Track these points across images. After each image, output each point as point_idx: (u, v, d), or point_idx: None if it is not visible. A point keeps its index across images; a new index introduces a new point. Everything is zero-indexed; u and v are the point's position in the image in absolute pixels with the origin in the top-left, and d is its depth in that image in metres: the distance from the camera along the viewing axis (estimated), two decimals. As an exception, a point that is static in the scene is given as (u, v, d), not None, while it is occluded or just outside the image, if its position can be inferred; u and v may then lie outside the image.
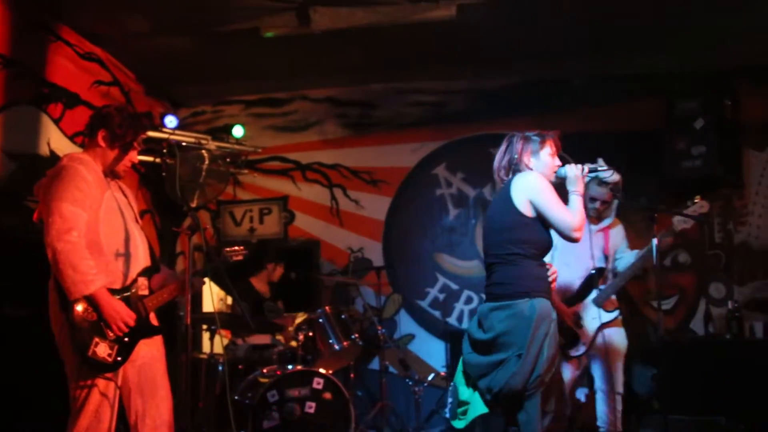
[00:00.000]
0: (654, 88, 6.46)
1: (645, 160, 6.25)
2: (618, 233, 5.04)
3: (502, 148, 3.70)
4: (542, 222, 3.47)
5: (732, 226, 6.49)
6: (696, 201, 4.60)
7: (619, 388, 4.80)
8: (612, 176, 4.76)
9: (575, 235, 3.42)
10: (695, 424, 5.25)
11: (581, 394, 5.41)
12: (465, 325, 6.84)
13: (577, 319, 4.79)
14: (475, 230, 6.95)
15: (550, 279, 3.54)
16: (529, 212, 3.45)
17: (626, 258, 4.99)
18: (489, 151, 6.85)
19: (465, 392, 3.56)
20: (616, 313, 4.84)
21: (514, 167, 3.60)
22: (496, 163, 3.71)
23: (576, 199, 3.51)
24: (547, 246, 3.55)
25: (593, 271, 4.85)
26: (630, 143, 6.44)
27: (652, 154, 6.28)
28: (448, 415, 3.71)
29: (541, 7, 5.45)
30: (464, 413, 3.55)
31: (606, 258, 4.96)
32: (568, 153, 6.52)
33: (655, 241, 4.40)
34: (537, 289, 3.40)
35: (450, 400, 3.67)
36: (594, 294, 4.84)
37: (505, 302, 3.40)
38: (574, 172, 3.54)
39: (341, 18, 5.50)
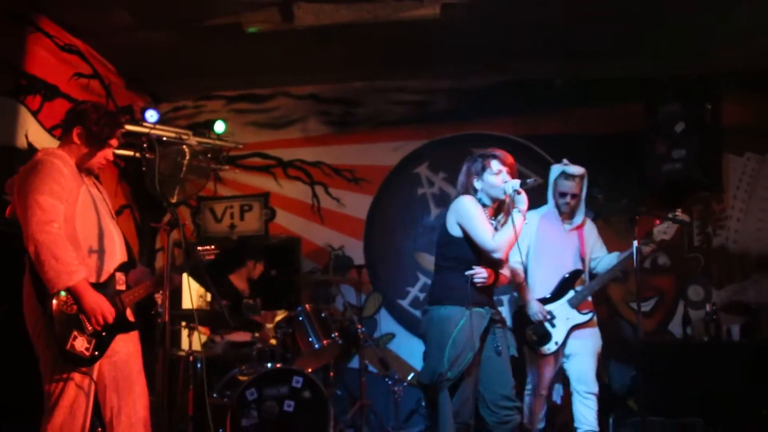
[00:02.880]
0: (635, 91, 6.47)
1: (626, 163, 6.28)
2: (591, 232, 5.07)
3: (462, 169, 3.98)
4: (468, 241, 3.84)
5: (711, 230, 6.54)
6: (677, 214, 4.65)
7: (594, 388, 4.83)
8: (576, 169, 4.83)
9: (495, 255, 3.78)
10: (673, 426, 5.29)
11: (556, 396, 5.42)
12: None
13: (551, 317, 4.81)
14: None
15: (480, 280, 3.81)
16: (456, 233, 3.86)
17: (606, 260, 5.00)
18: (471, 150, 6.98)
19: None
20: (589, 316, 4.88)
21: (463, 189, 3.94)
22: (457, 185, 4.02)
23: (514, 218, 3.72)
24: (471, 261, 3.84)
25: (567, 275, 4.87)
26: (611, 145, 6.47)
27: (634, 157, 6.32)
28: None
29: (524, 9, 5.45)
30: None
31: (582, 260, 4.98)
32: (549, 154, 6.69)
33: (635, 244, 4.44)
34: (449, 297, 3.83)
35: None
36: (570, 295, 4.87)
37: (426, 306, 3.98)
38: (511, 188, 3.74)
39: (325, 15, 5.47)
